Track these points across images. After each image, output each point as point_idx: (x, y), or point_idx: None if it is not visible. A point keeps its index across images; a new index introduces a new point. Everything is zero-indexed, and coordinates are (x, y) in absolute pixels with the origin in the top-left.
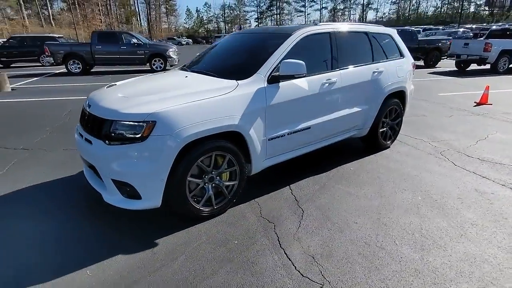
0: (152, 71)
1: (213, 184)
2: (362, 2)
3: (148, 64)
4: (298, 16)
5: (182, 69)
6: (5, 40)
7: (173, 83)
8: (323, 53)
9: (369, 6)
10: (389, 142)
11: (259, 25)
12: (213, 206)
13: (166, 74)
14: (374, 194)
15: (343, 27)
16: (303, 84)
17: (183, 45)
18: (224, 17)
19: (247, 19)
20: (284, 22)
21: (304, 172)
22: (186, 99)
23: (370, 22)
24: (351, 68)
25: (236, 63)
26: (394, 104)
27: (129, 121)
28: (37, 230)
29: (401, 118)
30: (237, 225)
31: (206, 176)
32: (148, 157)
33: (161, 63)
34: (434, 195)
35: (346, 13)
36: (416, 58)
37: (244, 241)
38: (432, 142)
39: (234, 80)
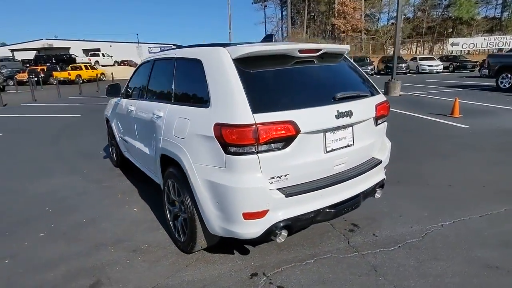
0: (497, 89)
1: None
2: None
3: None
4: None
5: None
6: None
7: None
8: (146, 80)
9: None
10: (183, 238)
11: None
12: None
13: None
14: None
15: (164, 53)
16: (123, 104)
17: None
18: None
19: None
20: None
21: None
22: None
23: None
24: (146, 101)
25: None
26: (173, 179)
27: None
28: None
29: (191, 210)
30: None
31: None
32: None
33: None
34: None
35: None
36: None
37: None
38: None
39: None
